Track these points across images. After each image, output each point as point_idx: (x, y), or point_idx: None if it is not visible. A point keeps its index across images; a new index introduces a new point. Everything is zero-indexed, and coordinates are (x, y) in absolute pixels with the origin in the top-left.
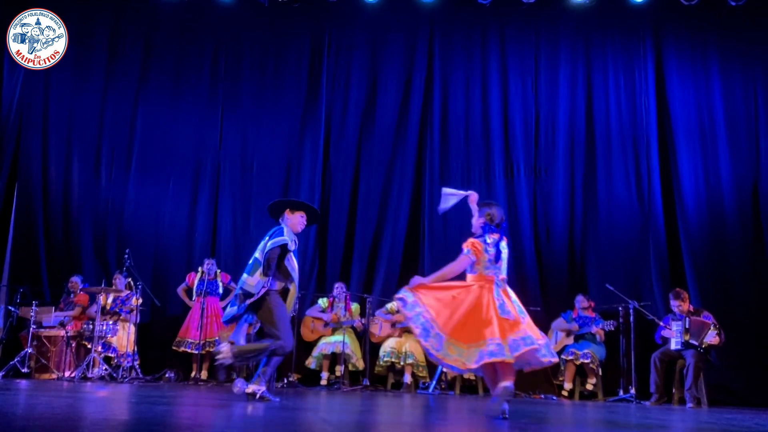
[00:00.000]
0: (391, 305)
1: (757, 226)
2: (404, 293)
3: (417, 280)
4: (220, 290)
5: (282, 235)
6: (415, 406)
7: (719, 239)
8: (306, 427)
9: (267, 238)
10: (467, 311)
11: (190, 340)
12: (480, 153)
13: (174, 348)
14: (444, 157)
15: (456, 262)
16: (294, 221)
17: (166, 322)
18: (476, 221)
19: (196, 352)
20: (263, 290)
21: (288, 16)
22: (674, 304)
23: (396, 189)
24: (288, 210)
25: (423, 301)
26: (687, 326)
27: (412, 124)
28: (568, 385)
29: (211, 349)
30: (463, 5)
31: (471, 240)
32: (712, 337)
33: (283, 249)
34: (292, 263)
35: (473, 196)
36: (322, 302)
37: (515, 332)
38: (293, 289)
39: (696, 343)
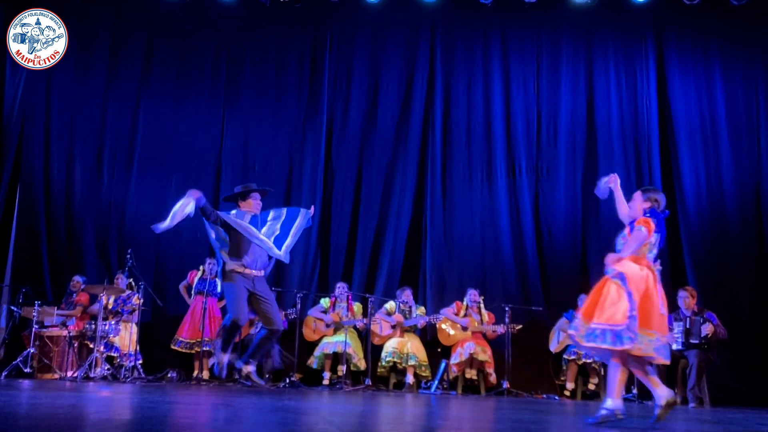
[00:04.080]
0: (390, 305)
1: (760, 226)
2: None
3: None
4: (219, 289)
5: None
6: (418, 405)
7: (721, 239)
8: (308, 427)
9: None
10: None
11: (180, 339)
12: (482, 153)
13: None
14: (446, 157)
15: (632, 240)
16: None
17: (169, 321)
18: (639, 205)
19: (186, 351)
20: None
21: (289, 16)
22: (682, 295)
23: (398, 189)
24: (240, 200)
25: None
26: (688, 326)
27: (413, 124)
28: (570, 385)
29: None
30: (464, 5)
31: (642, 218)
32: (706, 329)
33: None
34: None
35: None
36: (324, 302)
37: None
38: None
39: (697, 341)
